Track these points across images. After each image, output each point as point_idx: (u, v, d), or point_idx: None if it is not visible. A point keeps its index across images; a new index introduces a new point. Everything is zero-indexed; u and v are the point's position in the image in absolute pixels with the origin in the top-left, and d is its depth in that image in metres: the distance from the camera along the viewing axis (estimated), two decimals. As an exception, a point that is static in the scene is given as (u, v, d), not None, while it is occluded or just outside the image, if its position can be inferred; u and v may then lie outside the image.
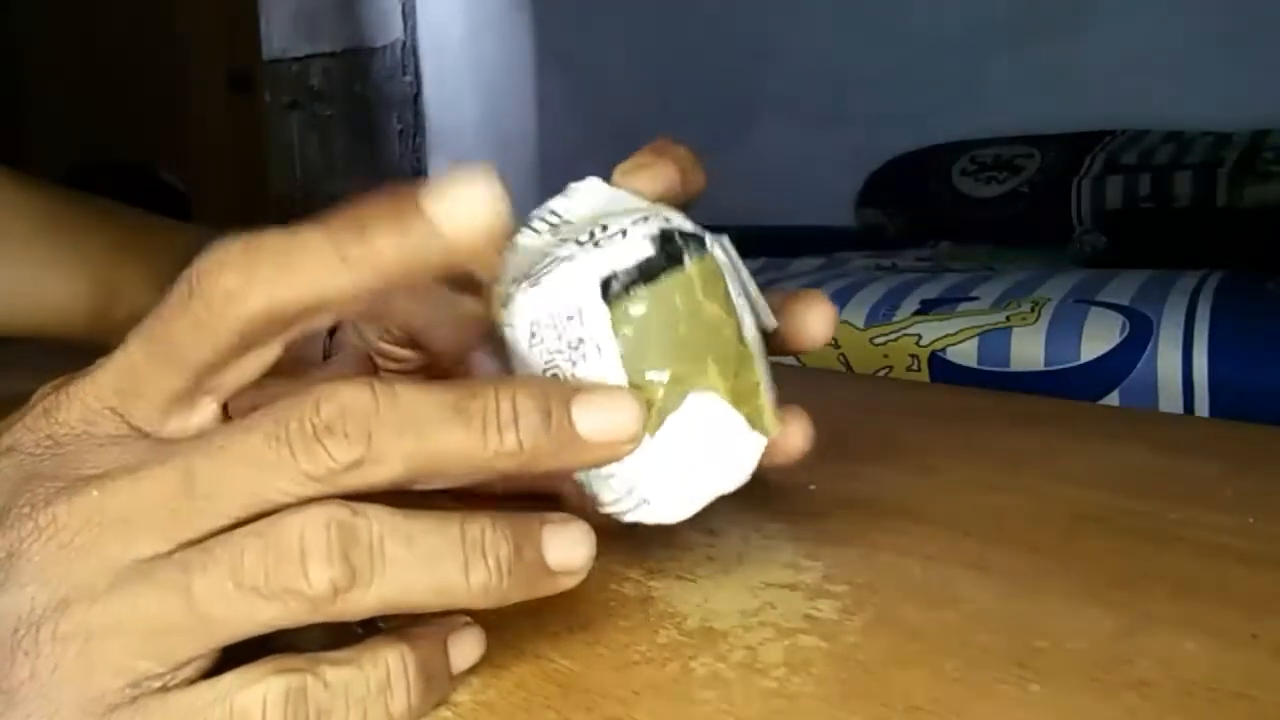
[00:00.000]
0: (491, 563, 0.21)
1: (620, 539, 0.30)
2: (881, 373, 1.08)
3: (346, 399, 0.20)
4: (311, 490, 0.20)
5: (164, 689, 0.20)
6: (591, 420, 0.22)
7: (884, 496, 0.34)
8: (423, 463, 0.20)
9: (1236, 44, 1.81)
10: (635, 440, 0.22)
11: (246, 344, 0.21)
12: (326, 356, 0.37)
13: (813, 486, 0.35)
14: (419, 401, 0.20)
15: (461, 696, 0.22)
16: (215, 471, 0.20)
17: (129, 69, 2.73)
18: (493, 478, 0.22)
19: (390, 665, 0.21)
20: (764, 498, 0.33)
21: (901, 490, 0.35)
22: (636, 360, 0.23)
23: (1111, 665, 0.23)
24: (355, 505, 0.20)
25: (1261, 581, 0.27)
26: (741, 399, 0.25)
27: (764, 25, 2.41)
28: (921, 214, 1.93)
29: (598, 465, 0.23)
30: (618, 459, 0.23)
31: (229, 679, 0.20)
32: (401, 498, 0.21)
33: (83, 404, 0.21)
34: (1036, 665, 0.23)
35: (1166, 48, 1.87)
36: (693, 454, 0.24)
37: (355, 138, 3.40)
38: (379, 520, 0.20)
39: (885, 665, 0.23)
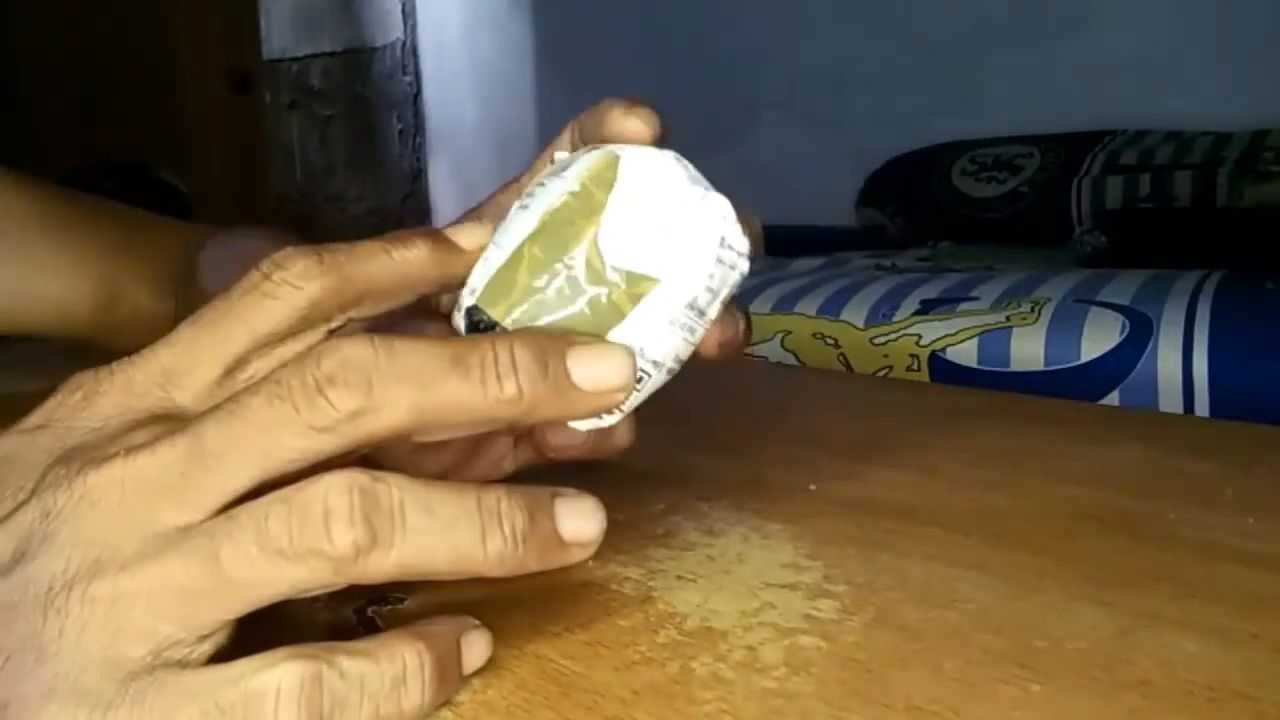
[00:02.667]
0: (508, 530, 0.21)
1: (620, 539, 0.30)
2: (881, 373, 1.08)
3: (346, 351, 0.21)
4: (318, 443, 0.20)
5: (182, 663, 0.20)
6: (585, 369, 0.23)
7: (884, 496, 0.34)
8: (424, 411, 0.21)
9: (1236, 44, 1.81)
10: (627, 389, 0.24)
11: (309, 321, 0.23)
12: None
13: (813, 486, 0.35)
14: (418, 352, 0.21)
15: (461, 696, 0.22)
16: (223, 433, 0.21)
17: (129, 69, 2.73)
18: (492, 428, 0.23)
19: (407, 660, 0.21)
20: (764, 498, 0.33)
21: (901, 490, 0.35)
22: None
23: (1111, 665, 0.23)
24: (376, 473, 0.20)
25: (1261, 581, 0.27)
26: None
27: (764, 25, 2.41)
28: (921, 214, 1.93)
29: (593, 414, 0.24)
30: (611, 407, 0.24)
31: (245, 663, 0.20)
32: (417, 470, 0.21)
33: (127, 381, 0.23)
34: (1036, 665, 0.23)
35: (1166, 48, 1.87)
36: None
37: (355, 138, 3.40)
38: (399, 486, 0.20)
39: (885, 665, 0.23)
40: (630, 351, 0.24)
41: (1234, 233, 1.52)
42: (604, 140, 0.28)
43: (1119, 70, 1.92)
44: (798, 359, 1.10)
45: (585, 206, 0.25)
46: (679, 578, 0.28)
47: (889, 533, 0.31)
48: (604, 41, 2.72)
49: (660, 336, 0.25)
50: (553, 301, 0.24)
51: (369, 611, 0.26)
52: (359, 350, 0.21)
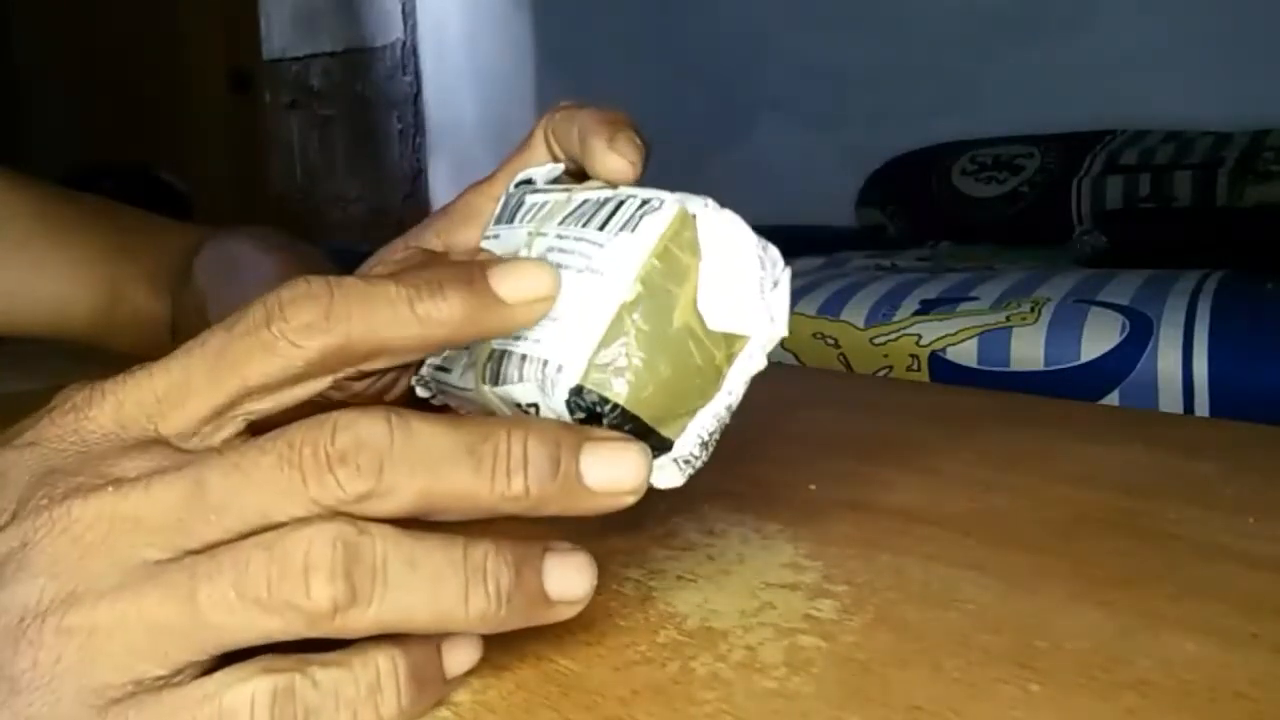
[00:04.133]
0: (491, 589, 0.21)
1: (620, 539, 0.30)
2: (881, 373, 1.08)
3: (363, 431, 0.20)
4: (319, 513, 0.20)
5: (162, 687, 0.20)
6: (598, 471, 0.22)
7: (884, 496, 0.34)
8: (431, 500, 0.21)
9: (1236, 44, 1.81)
10: (638, 492, 0.23)
11: (309, 374, 0.22)
12: None
13: (813, 486, 0.35)
14: (433, 440, 0.21)
15: (461, 696, 0.22)
16: (227, 487, 0.20)
17: (129, 69, 2.73)
18: (496, 516, 0.22)
19: (381, 667, 0.21)
20: (764, 498, 0.33)
21: (901, 490, 0.35)
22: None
23: (1111, 665, 0.23)
24: (361, 524, 0.20)
25: (1261, 581, 0.27)
26: None
27: (764, 25, 2.41)
28: (921, 214, 1.93)
29: (602, 512, 0.23)
30: (619, 508, 0.23)
31: (218, 678, 0.20)
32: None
33: (118, 403, 0.22)
34: (1036, 665, 0.23)
35: (1166, 48, 1.87)
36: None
37: (355, 138, 3.40)
38: (383, 540, 0.20)
39: (885, 665, 0.23)
40: (646, 452, 0.23)
41: (1234, 233, 1.52)
42: (588, 171, 0.28)
43: (1119, 70, 1.92)
44: (797, 359, 1.10)
45: (674, 271, 0.24)
46: (679, 578, 0.28)
47: (889, 533, 0.31)
48: (604, 41, 2.72)
49: (741, 387, 0.26)
50: (664, 374, 0.24)
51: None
52: (375, 430, 0.20)
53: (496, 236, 0.30)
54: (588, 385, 0.24)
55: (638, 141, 0.28)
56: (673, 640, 0.24)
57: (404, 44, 3.27)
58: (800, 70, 2.35)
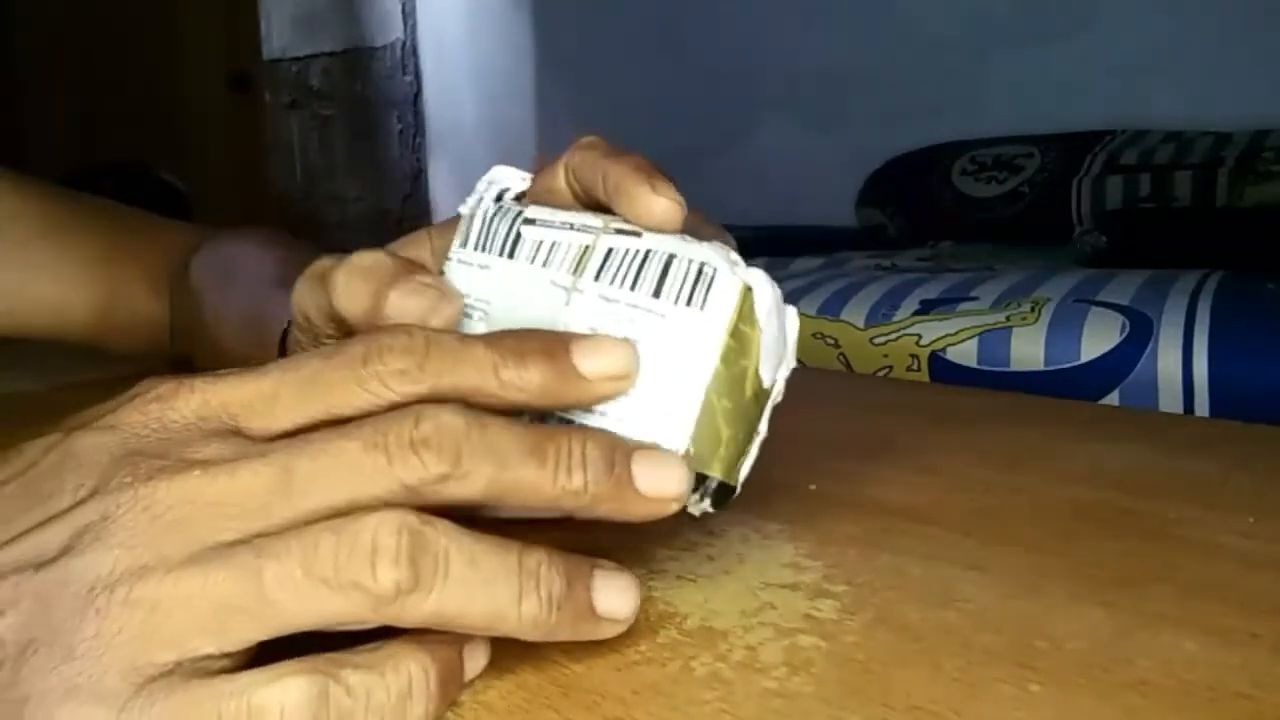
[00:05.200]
0: (544, 595, 0.22)
1: (620, 539, 0.30)
2: (881, 373, 1.08)
3: (444, 420, 0.22)
4: (401, 497, 0.21)
5: (201, 673, 0.20)
6: (647, 476, 0.24)
7: (884, 496, 0.34)
8: (499, 488, 0.22)
9: (1236, 44, 1.81)
10: (681, 500, 0.25)
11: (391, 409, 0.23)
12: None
13: (813, 486, 0.35)
14: (504, 434, 0.22)
15: (461, 696, 0.22)
16: (315, 471, 0.21)
17: (129, 69, 2.73)
18: (552, 515, 0.24)
19: (413, 674, 0.21)
20: (764, 498, 0.33)
21: (901, 490, 0.35)
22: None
23: (1111, 665, 0.23)
24: (426, 516, 0.21)
25: (1261, 581, 0.27)
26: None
27: (764, 25, 2.41)
28: (921, 214, 1.93)
29: (647, 518, 0.25)
30: (663, 515, 0.25)
31: (250, 675, 0.20)
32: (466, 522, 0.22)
33: (204, 400, 0.23)
34: (1036, 665, 0.23)
35: (1166, 48, 1.87)
36: None
37: (355, 138, 3.40)
38: (447, 535, 0.21)
39: (885, 665, 0.23)
40: (687, 467, 0.25)
41: (1234, 233, 1.52)
42: (625, 214, 0.27)
43: (1119, 70, 1.92)
44: (797, 359, 1.09)
45: (743, 346, 0.26)
46: (679, 578, 0.28)
47: (889, 533, 0.31)
48: (604, 41, 2.72)
49: (767, 421, 0.28)
50: (741, 439, 0.26)
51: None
52: (454, 420, 0.22)
53: (487, 268, 0.29)
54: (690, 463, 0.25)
55: (672, 184, 0.28)
56: (673, 640, 0.24)
57: (404, 44, 3.26)
58: (800, 70, 2.35)
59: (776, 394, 0.28)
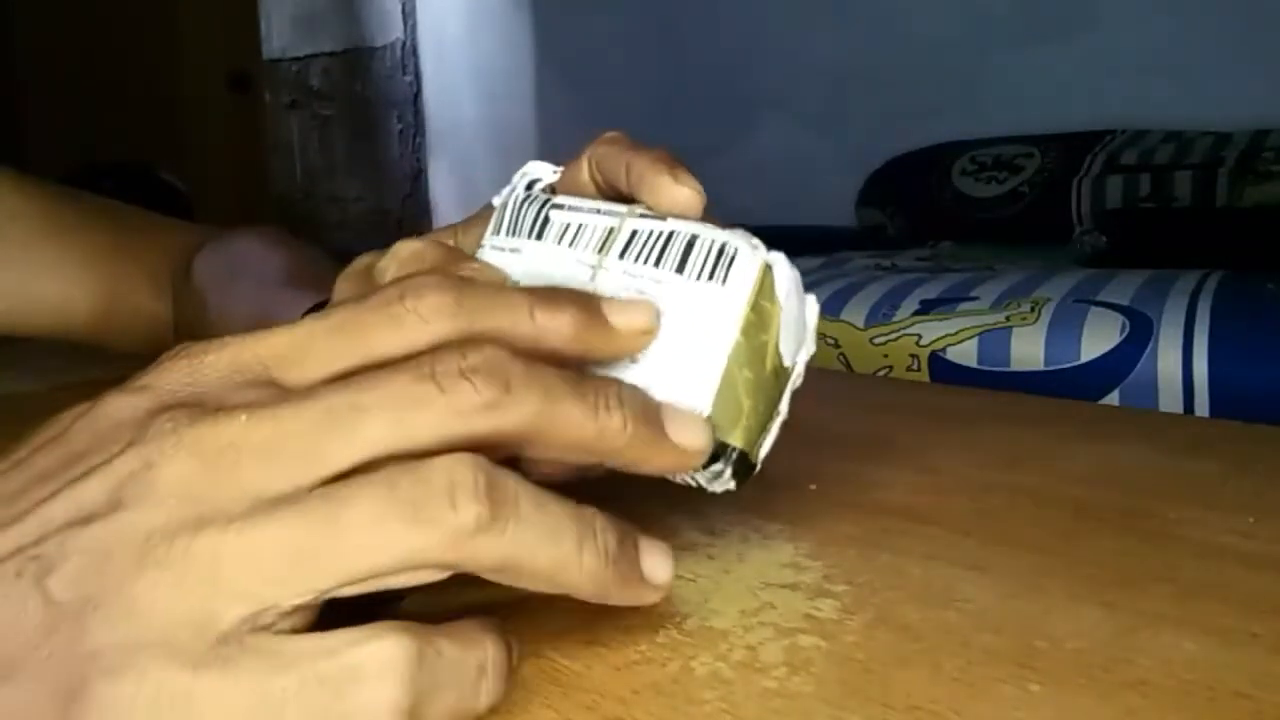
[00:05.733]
0: (602, 547, 0.22)
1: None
2: (881, 373, 1.09)
3: (489, 352, 0.22)
4: (453, 425, 0.21)
5: (272, 630, 0.19)
6: (677, 427, 0.24)
7: (884, 496, 0.34)
8: (545, 420, 0.22)
9: (1236, 44, 1.81)
10: (705, 453, 0.25)
11: (426, 351, 0.22)
12: None
13: (813, 486, 0.35)
14: (547, 369, 0.22)
15: (461, 696, 0.22)
16: (361, 406, 0.21)
17: (129, 69, 2.73)
18: (587, 460, 0.24)
19: (489, 651, 0.21)
20: (764, 498, 0.33)
21: (901, 490, 0.35)
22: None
23: (1111, 665, 0.23)
24: (493, 464, 0.21)
25: (1261, 581, 0.27)
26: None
27: (764, 25, 2.41)
28: (921, 214, 1.93)
29: (673, 470, 0.25)
30: (686, 469, 0.25)
31: (344, 634, 0.19)
32: None
33: (235, 354, 0.22)
34: (1036, 665, 0.23)
35: (1166, 48, 1.87)
36: None
37: (355, 138, 3.40)
38: (514, 479, 0.21)
39: (885, 665, 0.23)
40: (709, 424, 0.25)
41: (1234, 233, 1.52)
42: (647, 201, 0.28)
43: (1119, 70, 1.92)
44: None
45: (763, 321, 0.27)
46: (679, 578, 0.28)
47: (889, 533, 0.31)
48: (604, 41, 2.72)
49: (788, 402, 0.28)
50: (762, 413, 0.27)
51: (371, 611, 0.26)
52: (499, 354, 0.22)
53: (518, 251, 0.30)
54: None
55: (691, 173, 0.29)
56: (673, 640, 0.24)
57: (404, 44, 3.27)
58: (800, 70, 2.35)
59: (796, 376, 0.28)
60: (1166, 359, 0.96)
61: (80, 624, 0.18)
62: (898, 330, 1.10)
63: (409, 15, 3.26)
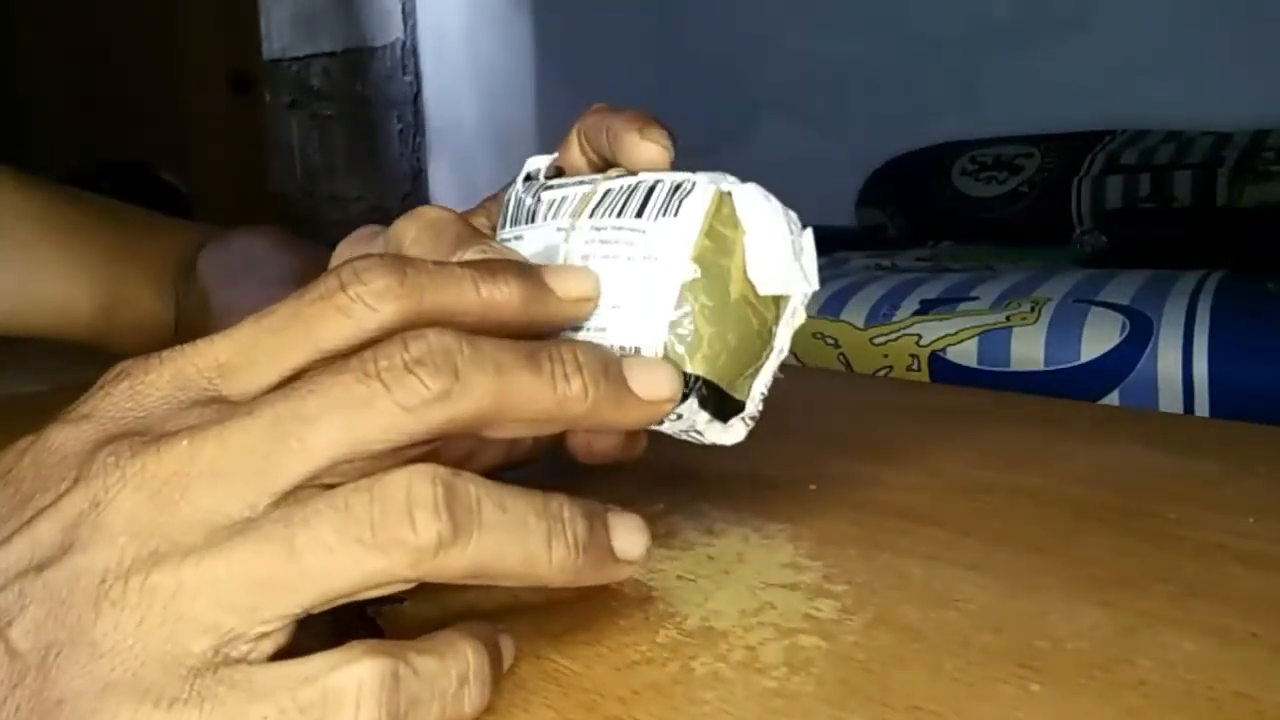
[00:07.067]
0: (570, 538, 0.22)
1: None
2: (881, 373, 1.09)
3: (432, 339, 0.21)
4: (404, 424, 0.20)
5: (246, 660, 0.19)
6: (640, 378, 0.24)
7: (884, 496, 0.34)
8: (502, 398, 0.21)
9: (1236, 44, 1.81)
10: (674, 399, 0.25)
11: (378, 338, 0.22)
12: None
13: (813, 486, 0.35)
14: (496, 345, 0.22)
15: (462, 696, 0.22)
16: (307, 414, 0.20)
17: (129, 69, 2.73)
18: (553, 429, 0.24)
19: (470, 658, 0.20)
20: (764, 498, 0.33)
21: (901, 490, 0.35)
22: None
23: (1111, 665, 0.23)
24: (452, 470, 0.20)
25: (1261, 581, 0.27)
26: None
27: (764, 25, 2.41)
28: (921, 214, 1.93)
29: (644, 423, 0.25)
30: (658, 419, 0.25)
31: (319, 659, 0.19)
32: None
33: (178, 370, 0.22)
34: (1036, 665, 0.23)
35: (1166, 48, 1.87)
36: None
37: (355, 137, 3.40)
38: (475, 483, 0.21)
39: (885, 665, 0.23)
40: (675, 368, 0.25)
41: (1234, 233, 1.51)
42: (621, 161, 0.29)
43: (1119, 70, 1.92)
44: (798, 359, 1.10)
45: (722, 247, 0.26)
46: (679, 578, 0.28)
47: (889, 533, 0.31)
48: (604, 41, 2.72)
49: (788, 342, 0.28)
50: (732, 342, 0.26)
51: (368, 612, 0.26)
52: (444, 339, 0.21)
53: (520, 238, 0.30)
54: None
55: (667, 131, 0.29)
56: (673, 640, 0.24)
57: (404, 44, 3.26)
58: (801, 70, 2.35)
59: (792, 310, 0.28)
60: (1166, 359, 0.96)
61: (44, 673, 0.18)
62: (898, 330, 1.09)
63: (409, 15, 3.26)
